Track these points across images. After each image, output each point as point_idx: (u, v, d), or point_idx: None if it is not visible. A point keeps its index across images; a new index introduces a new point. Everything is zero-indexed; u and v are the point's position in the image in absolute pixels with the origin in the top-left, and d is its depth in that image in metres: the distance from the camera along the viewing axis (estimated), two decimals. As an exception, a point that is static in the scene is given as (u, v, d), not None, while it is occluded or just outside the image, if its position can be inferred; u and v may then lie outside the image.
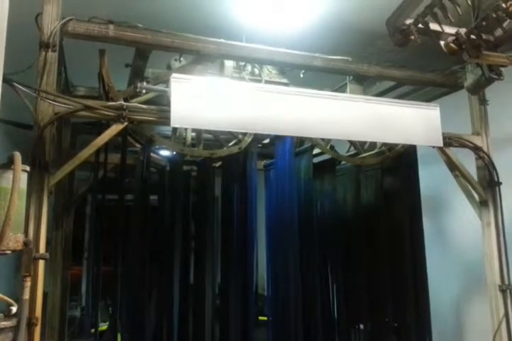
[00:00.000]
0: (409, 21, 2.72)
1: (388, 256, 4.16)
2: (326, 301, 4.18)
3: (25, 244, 1.61)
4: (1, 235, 1.43)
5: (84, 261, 6.18)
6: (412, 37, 2.72)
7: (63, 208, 4.18)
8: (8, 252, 1.57)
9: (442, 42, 2.80)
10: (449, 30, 2.72)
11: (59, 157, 3.97)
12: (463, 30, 2.74)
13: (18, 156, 1.55)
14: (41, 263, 2.75)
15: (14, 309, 1.59)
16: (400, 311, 4.07)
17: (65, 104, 3.10)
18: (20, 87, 2.92)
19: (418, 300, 4.01)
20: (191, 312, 3.82)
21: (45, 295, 4.03)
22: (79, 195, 4.37)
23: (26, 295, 1.64)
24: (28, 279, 1.66)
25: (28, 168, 1.67)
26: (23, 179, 1.64)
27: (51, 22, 3.13)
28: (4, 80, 2.86)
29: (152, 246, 3.81)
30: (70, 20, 3.26)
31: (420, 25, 2.68)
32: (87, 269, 4.00)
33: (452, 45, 2.74)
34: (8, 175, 1.55)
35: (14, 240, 1.56)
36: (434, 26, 2.70)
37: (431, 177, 4.68)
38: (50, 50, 3.10)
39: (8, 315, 1.58)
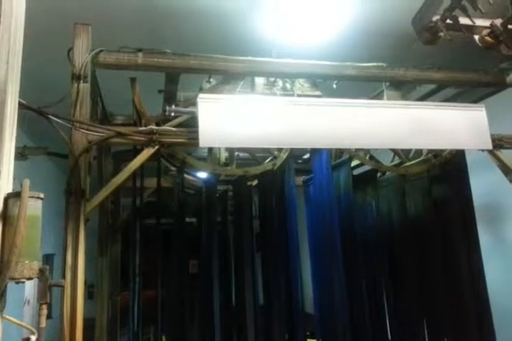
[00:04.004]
0: (436, 18, 2.55)
1: (442, 271, 3.84)
2: (378, 321, 3.90)
3: (41, 271, 1.60)
4: (7, 263, 1.43)
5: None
6: (441, 34, 2.55)
7: (107, 234, 4.26)
8: (24, 280, 1.57)
9: (476, 37, 2.61)
10: (482, 22, 2.52)
11: (101, 185, 4.08)
12: (498, 21, 2.53)
13: (26, 184, 1.56)
14: (80, 288, 2.80)
15: (33, 338, 1.57)
16: (459, 331, 3.70)
17: (97, 132, 3.17)
18: (55, 118, 3.03)
19: (479, 316, 3.63)
20: (235, 333, 3.71)
21: (93, 321, 4.13)
22: (122, 220, 4.45)
23: (43, 324, 1.62)
24: (45, 307, 1.64)
25: (42, 195, 1.67)
26: (37, 206, 1.65)
27: (81, 54, 3.26)
28: (39, 113, 3.03)
29: (192, 268, 3.76)
30: (101, 51, 3.38)
31: (449, 21, 2.50)
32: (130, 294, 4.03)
33: (488, 38, 2.54)
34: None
35: (29, 268, 1.56)
36: (464, 20, 2.51)
37: (485, 184, 4.32)
38: (81, 81, 3.21)
39: (26, 345, 1.57)
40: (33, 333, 1.63)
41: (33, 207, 1.62)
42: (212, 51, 3.66)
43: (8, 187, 1.65)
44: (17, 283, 1.57)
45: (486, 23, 2.54)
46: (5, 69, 1.62)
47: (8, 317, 1.64)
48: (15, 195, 1.59)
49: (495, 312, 3.69)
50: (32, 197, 1.60)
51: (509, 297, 4.44)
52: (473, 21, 2.47)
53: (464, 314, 3.69)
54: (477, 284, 3.69)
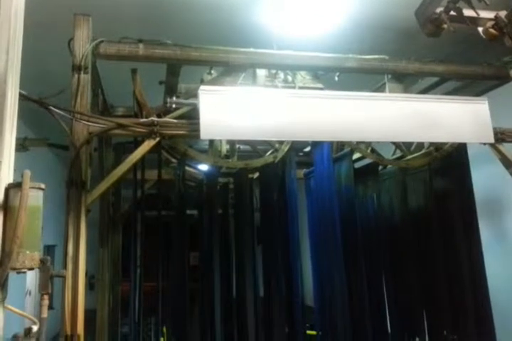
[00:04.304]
0: (439, 9, 2.53)
1: (442, 264, 3.85)
2: (377, 313, 3.92)
3: (42, 262, 1.61)
4: (8, 254, 1.43)
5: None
6: (445, 26, 2.52)
7: (108, 226, 4.27)
8: (25, 270, 1.58)
9: (480, 29, 2.59)
10: (486, 14, 2.50)
11: (102, 176, 4.08)
12: (503, 13, 2.52)
13: (27, 174, 1.56)
14: (81, 278, 2.82)
15: (35, 328, 1.58)
16: (459, 323, 3.72)
17: (98, 123, 3.16)
18: (55, 109, 3.02)
19: (479, 310, 3.65)
20: (235, 325, 3.74)
21: (94, 312, 4.16)
22: (122, 212, 4.46)
23: (44, 314, 1.63)
24: (46, 297, 1.65)
25: (43, 186, 1.67)
26: (38, 196, 1.65)
27: (82, 45, 3.24)
28: (40, 104, 3.02)
29: (193, 259, 3.78)
30: (101, 42, 3.35)
31: (452, 12, 2.48)
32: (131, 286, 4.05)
33: (492, 30, 2.53)
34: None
35: (30, 258, 1.56)
36: (468, 12, 2.48)
37: (487, 177, 4.31)
38: (82, 72, 3.19)
39: (28, 334, 1.58)
40: (34, 323, 1.64)
41: (34, 197, 1.62)
42: (213, 42, 3.64)
43: (9, 178, 1.65)
44: (18, 273, 1.58)
45: (491, 14, 2.53)
46: (5, 60, 1.61)
47: (10, 307, 1.65)
48: (16, 186, 1.59)
49: (495, 306, 3.71)
50: (33, 187, 1.60)
51: (509, 290, 4.46)
52: (477, 13, 2.45)
53: (464, 307, 3.71)
54: (477, 277, 3.70)
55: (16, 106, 1.72)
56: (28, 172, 1.56)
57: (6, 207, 1.57)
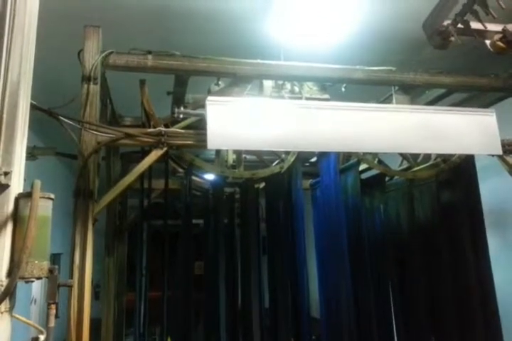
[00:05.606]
0: (447, 22, 2.54)
1: (450, 276, 3.81)
2: (384, 325, 3.87)
3: (51, 271, 1.62)
4: (18, 263, 1.44)
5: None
6: (452, 38, 2.53)
7: (115, 235, 4.28)
8: (33, 280, 1.59)
9: (488, 42, 2.60)
10: (494, 27, 2.51)
11: (109, 186, 4.10)
12: (510, 26, 2.53)
13: (37, 184, 1.57)
14: (87, 287, 2.82)
15: (42, 337, 1.58)
16: (467, 337, 3.66)
17: (107, 133, 3.19)
18: (65, 119, 3.05)
19: (487, 323, 3.60)
20: (240, 336, 3.71)
21: (99, 321, 4.14)
22: (129, 221, 4.46)
23: (52, 323, 1.63)
24: (53, 307, 1.65)
25: (52, 196, 1.69)
26: (47, 207, 1.66)
27: (92, 56, 3.29)
28: (49, 114, 3.05)
29: (198, 269, 3.77)
30: (111, 53, 3.39)
31: (460, 25, 2.49)
32: (136, 295, 4.04)
33: (499, 43, 2.54)
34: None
35: (39, 268, 1.57)
36: (475, 25, 2.50)
37: (495, 189, 4.28)
38: (91, 82, 3.23)
39: (34, 344, 1.58)
40: (41, 332, 1.64)
41: (44, 207, 1.63)
42: (221, 53, 3.67)
43: (19, 188, 1.67)
44: (26, 282, 1.59)
45: (498, 27, 2.53)
46: (17, 71, 1.63)
47: (17, 316, 1.66)
48: (26, 196, 1.61)
49: (504, 319, 3.65)
50: (43, 197, 1.61)
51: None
52: (484, 26, 2.46)
53: (472, 320, 3.66)
54: (486, 290, 3.66)
55: (27, 117, 1.74)
56: (38, 182, 1.58)
57: (16, 216, 1.58)
